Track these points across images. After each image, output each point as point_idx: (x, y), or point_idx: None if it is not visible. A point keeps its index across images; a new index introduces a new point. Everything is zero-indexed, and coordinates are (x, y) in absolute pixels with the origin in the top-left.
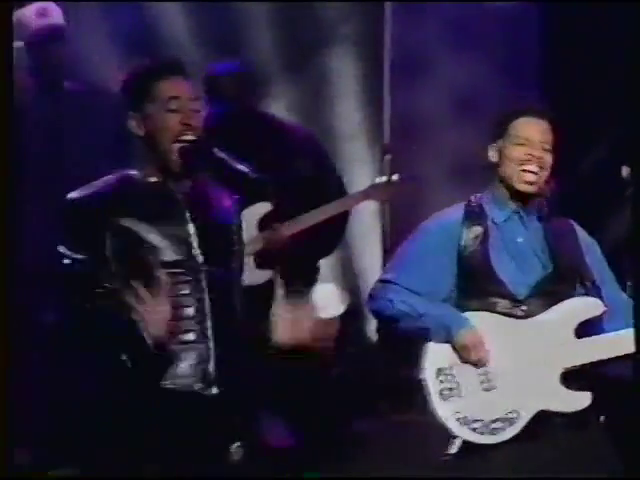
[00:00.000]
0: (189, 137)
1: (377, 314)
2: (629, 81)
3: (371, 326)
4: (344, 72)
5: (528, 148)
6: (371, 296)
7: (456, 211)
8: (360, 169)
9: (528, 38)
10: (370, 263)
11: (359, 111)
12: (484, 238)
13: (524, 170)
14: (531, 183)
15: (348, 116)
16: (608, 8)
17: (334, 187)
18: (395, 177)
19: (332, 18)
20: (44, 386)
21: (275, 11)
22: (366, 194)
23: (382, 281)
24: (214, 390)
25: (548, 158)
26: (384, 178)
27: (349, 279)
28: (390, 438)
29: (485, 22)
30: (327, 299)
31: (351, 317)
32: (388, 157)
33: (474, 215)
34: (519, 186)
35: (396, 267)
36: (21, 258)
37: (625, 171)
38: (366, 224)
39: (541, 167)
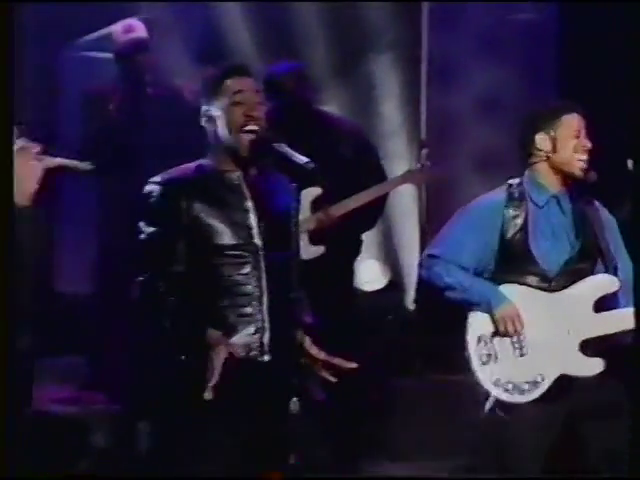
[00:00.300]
0: (252, 127)
1: (427, 285)
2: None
3: (409, 297)
4: (386, 76)
5: (581, 139)
6: (421, 268)
7: (498, 194)
8: (399, 163)
9: (547, 44)
10: (408, 241)
11: (399, 111)
12: (524, 220)
13: (579, 159)
14: (583, 170)
15: (389, 116)
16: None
17: (376, 173)
18: (428, 164)
19: (376, 26)
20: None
21: (326, 20)
22: (404, 178)
23: (430, 256)
24: (266, 357)
25: (589, 147)
26: (419, 165)
27: (390, 255)
28: (430, 396)
29: (509, 31)
30: (371, 274)
31: (392, 289)
32: (425, 151)
33: (515, 198)
34: (575, 171)
35: (443, 243)
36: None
37: (630, 164)
38: (405, 205)
39: (587, 156)
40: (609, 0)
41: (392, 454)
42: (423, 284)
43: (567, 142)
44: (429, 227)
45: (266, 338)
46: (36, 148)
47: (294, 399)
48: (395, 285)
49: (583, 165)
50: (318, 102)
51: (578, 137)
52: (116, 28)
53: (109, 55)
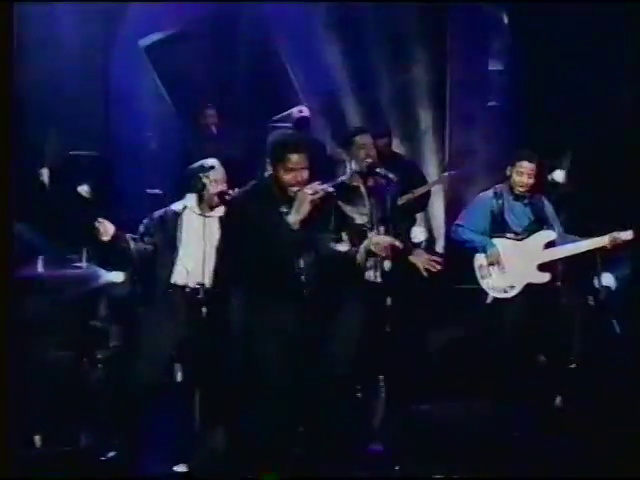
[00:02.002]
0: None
1: (455, 239)
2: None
3: (439, 247)
4: (419, 83)
5: (525, 177)
6: (452, 231)
7: (490, 192)
8: (430, 160)
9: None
10: (438, 216)
11: (427, 114)
12: (502, 206)
13: (524, 184)
14: (523, 187)
15: (421, 118)
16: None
17: (420, 180)
18: (452, 172)
19: (407, 39)
20: None
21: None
22: (439, 180)
23: (456, 224)
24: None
25: (532, 180)
26: (446, 174)
27: (428, 224)
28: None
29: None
30: (418, 234)
31: (428, 241)
32: (448, 172)
33: (498, 195)
34: (517, 190)
35: (463, 217)
36: None
37: (558, 175)
38: (436, 196)
39: (529, 181)
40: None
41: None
42: (452, 239)
43: (515, 176)
44: (450, 210)
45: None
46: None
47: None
48: (431, 239)
49: (523, 189)
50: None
51: (523, 174)
52: (294, 109)
53: (288, 125)
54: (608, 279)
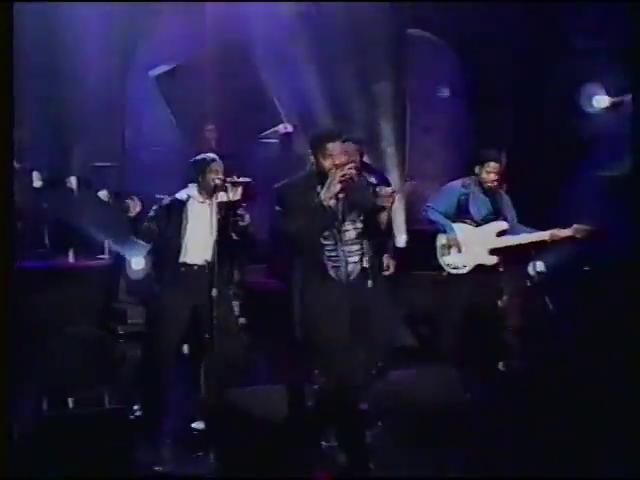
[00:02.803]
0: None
1: (426, 218)
2: None
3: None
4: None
5: (492, 175)
6: (424, 210)
7: (458, 182)
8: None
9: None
10: (399, 219)
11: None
12: (468, 196)
13: (491, 180)
14: (490, 183)
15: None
16: None
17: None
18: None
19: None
20: None
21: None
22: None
23: (427, 205)
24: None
25: (497, 177)
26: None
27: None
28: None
29: None
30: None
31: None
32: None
33: (465, 187)
34: (486, 185)
35: (433, 200)
36: None
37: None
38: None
39: (496, 178)
40: None
41: None
42: (425, 218)
43: (484, 174)
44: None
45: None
46: None
47: None
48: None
49: (491, 183)
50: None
51: (492, 172)
52: (280, 127)
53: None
54: (541, 266)
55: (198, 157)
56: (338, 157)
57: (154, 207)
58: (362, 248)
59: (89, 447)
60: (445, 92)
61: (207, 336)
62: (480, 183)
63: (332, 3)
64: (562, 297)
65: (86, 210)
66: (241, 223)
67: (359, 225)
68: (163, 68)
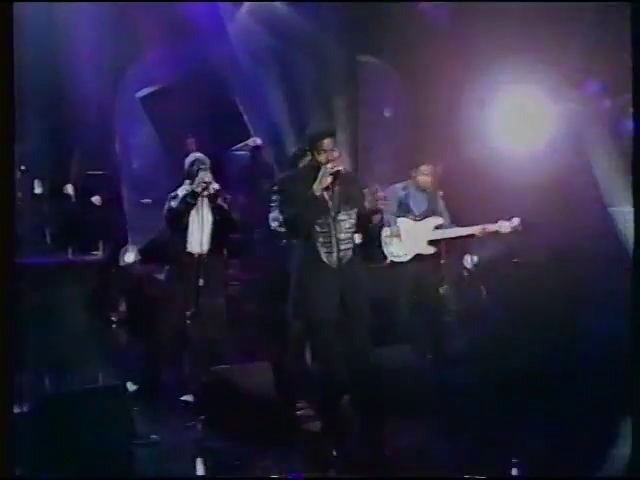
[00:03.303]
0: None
1: None
2: None
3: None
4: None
5: (425, 176)
6: None
7: (400, 184)
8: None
9: None
10: None
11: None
12: (407, 196)
13: (424, 181)
14: (424, 183)
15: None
16: None
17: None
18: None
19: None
20: None
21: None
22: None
23: None
24: None
25: (430, 178)
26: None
27: None
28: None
29: None
30: None
31: None
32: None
33: (405, 188)
34: (421, 185)
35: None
36: None
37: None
38: None
39: (428, 179)
40: None
41: None
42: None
43: (418, 177)
44: None
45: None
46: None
47: None
48: None
49: (425, 185)
50: None
51: (426, 174)
52: (249, 141)
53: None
54: (475, 259)
55: (191, 158)
56: (331, 153)
57: (171, 201)
58: (353, 237)
59: (92, 419)
60: (389, 110)
61: (189, 315)
62: (416, 184)
63: (297, 34)
64: (494, 285)
65: (81, 213)
66: (224, 208)
67: (354, 217)
68: (148, 90)
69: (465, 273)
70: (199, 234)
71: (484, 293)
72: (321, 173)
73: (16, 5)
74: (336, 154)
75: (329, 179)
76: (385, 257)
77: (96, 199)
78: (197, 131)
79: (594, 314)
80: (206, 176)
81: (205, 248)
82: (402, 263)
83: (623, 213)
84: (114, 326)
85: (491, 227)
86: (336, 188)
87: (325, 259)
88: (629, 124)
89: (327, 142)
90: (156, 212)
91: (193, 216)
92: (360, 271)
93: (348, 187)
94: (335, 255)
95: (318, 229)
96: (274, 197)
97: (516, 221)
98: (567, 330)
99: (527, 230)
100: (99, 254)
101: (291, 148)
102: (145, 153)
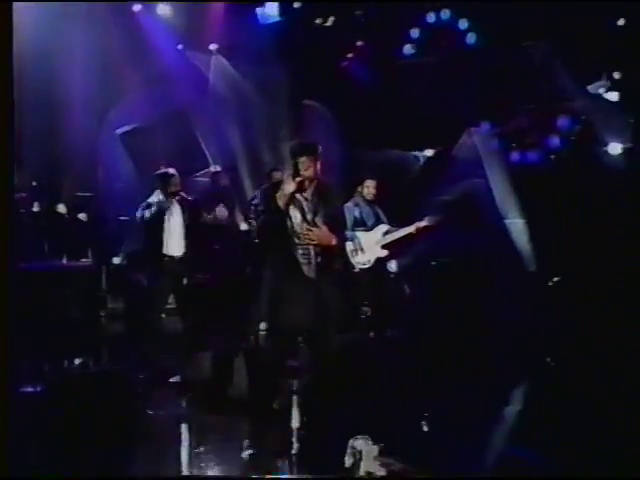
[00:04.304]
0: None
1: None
2: None
3: None
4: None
5: (370, 189)
6: None
7: (351, 202)
8: None
9: None
10: None
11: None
12: (360, 210)
13: (370, 193)
14: (370, 196)
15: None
16: None
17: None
18: None
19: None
20: None
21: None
22: None
23: None
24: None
25: (375, 191)
26: None
27: None
28: None
29: None
30: None
31: None
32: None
33: (356, 204)
34: (367, 198)
35: None
36: None
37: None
38: None
39: (374, 191)
40: None
41: None
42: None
43: (364, 189)
44: None
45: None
46: None
47: None
48: None
49: (370, 195)
50: None
51: (370, 187)
52: (210, 168)
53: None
54: (395, 264)
55: (161, 169)
56: (307, 169)
57: (139, 211)
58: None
59: (93, 398)
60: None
61: (171, 306)
62: (363, 198)
63: (251, 80)
64: (416, 284)
65: (71, 228)
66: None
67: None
68: (125, 128)
69: (391, 276)
70: (176, 237)
71: (406, 291)
72: (283, 182)
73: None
74: (310, 171)
75: (292, 186)
76: (353, 267)
77: (82, 216)
78: (166, 160)
79: (496, 303)
80: (173, 187)
81: (182, 250)
82: (366, 269)
83: (516, 224)
84: (103, 320)
85: (423, 223)
86: (314, 199)
87: (304, 270)
88: (516, 155)
89: (303, 159)
90: (132, 227)
91: (168, 221)
92: (335, 281)
93: (325, 197)
94: (313, 265)
95: (297, 240)
96: (251, 209)
97: (440, 218)
98: (474, 316)
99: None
100: (88, 260)
101: (244, 173)
102: (123, 179)
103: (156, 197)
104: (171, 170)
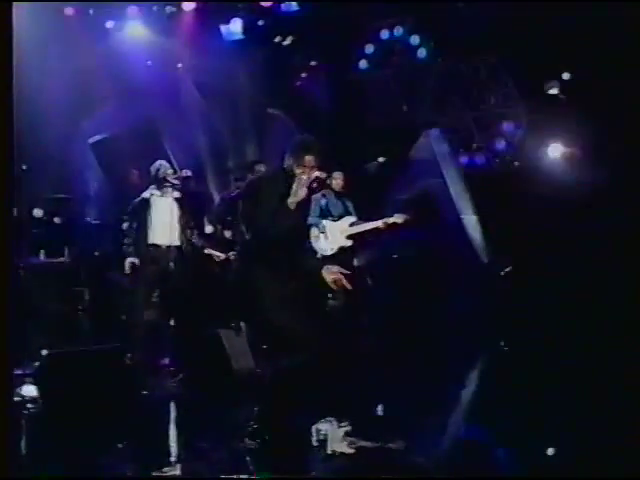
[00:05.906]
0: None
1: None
2: None
3: None
4: None
5: (339, 181)
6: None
7: (320, 194)
8: None
9: None
10: None
11: None
12: (327, 201)
13: (337, 187)
14: (338, 188)
15: None
16: None
17: None
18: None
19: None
20: None
21: None
22: None
23: None
24: None
25: (343, 183)
26: None
27: None
28: None
29: None
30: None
31: None
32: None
33: (324, 196)
34: (336, 191)
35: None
36: None
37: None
38: None
39: (342, 183)
40: None
41: None
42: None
43: (333, 180)
44: None
45: None
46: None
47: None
48: None
49: (338, 188)
50: None
51: (337, 179)
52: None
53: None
54: (361, 259)
55: (156, 165)
56: (311, 168)
57: (129, 206)
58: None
59: (91, 377)
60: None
61: (156, 296)
62: (332, 190)
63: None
64: (378, 276)
65: (47, 230)
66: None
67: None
68: (97, 138)
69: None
70: (167, 227)
71: (369, 282)
72: (295, 185)
73: None
74: (315, 173)
75: (304, 191)
76: (315, 253)
77: (58, 219)
78: (135, 167)
79: (452, 294)
80: (169, 179)
81: (174, 240)
82: (328, 256)
83: (470, 219)
84: (79, 313)
85: (391, 219)
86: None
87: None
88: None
89: (308, 158)
90: (102, 230)
91: (158, 210)
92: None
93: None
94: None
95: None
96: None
97: (407, 216)
98: (433, 303)
99: (413, 222)
100: (65, 259)
101: (210, 177)
102: (93, 185)
103: (147, 194)
104: (163, 162)
